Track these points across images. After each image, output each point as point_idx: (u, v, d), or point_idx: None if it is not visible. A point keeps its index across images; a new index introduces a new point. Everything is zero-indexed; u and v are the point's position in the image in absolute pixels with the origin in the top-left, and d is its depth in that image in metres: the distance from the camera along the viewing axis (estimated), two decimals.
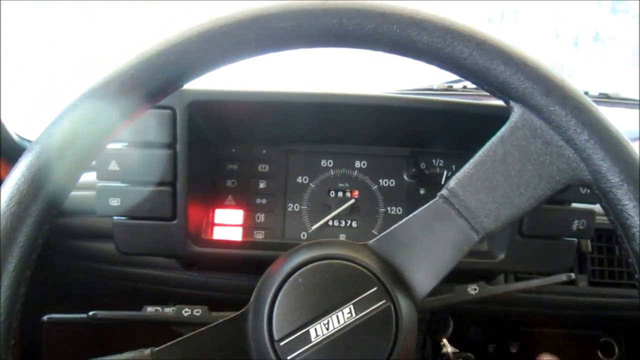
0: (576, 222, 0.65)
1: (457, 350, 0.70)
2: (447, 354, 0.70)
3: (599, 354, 0.99)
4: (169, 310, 0.53)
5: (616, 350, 0.99)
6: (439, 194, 0.45)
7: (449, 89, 1.02)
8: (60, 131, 0.39)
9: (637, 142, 1.06)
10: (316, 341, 0.41)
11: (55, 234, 0.82)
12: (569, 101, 0.40)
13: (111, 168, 0.63)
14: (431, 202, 0.45)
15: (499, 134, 0.43)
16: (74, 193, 0.81)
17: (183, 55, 0.41)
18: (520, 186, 0.43)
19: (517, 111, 0.42)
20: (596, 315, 0.88)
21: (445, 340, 0.71)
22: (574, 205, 0.66)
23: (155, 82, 0.41)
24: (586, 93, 1.01)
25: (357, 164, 0.75)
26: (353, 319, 0.41)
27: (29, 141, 0.88)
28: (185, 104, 0.63)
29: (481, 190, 0.43)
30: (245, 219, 0.74)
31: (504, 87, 0.42)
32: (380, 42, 0.42)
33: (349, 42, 0.43)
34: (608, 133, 0.39)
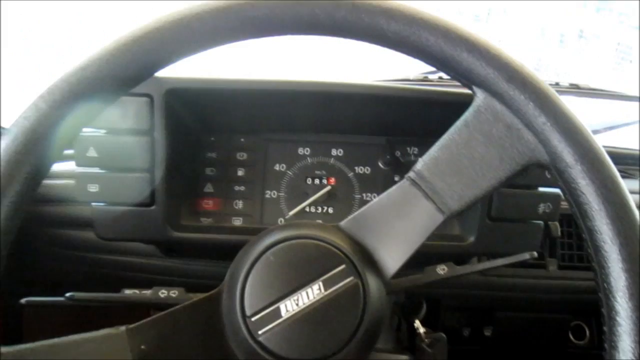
0: (542, 205, 0.67)
1: (429, 331, 0.73)
2: (420, 334, 0.72)
3: (571, 337, 1.02)
4: (146, 292, 0.54)
5: (587, 333, 1.02)
6: (406, 176, 0.47)
7: (425, 79, 1.04)
8: (36, 115, 0.40)
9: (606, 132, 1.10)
10: (286, 316, 0.43)
11: (35, 222, 0.83)
12: (527, 87, 0.42)
13: (89, 155, 0.64)
14: (399, 184, 0.47)
15: (462, 118, 0.45)
16: (53, 182, 0.83)
17: (158, 42, 0.42)
18: (483, 168, 0.45)
19: (479, 96, 0.44)
20: (567, 299, 0.91)
21: (418, 322, 0.73)
22: (541, 189, 0.68)
23: (130, 68, 0.42)
24: (557, 84, 1.04)
25: (334, 152, 0.77)
26: (322, 295, 0.43)
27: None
28: (162, 91, 0.64)
29: (446, 173, 0.45)
30: (224, 205, 0.75)
31: (467, 73, 0.44)
32: (350, 30, 0.44)
33: (320, 30, 0.45)
34: (564, 116, 0.41)
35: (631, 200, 0.40)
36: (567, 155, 0.41)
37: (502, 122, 0.44)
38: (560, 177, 0.42)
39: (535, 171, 0.45)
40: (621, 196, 0.39)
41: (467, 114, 0.45)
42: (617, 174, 0.40)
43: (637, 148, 1.07)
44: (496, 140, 0.44)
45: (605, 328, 0.39)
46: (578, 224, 0.42)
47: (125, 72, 0.42)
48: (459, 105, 0.46)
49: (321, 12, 0.43)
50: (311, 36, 0.46)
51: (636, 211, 0.40)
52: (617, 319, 0.37)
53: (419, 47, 0.43)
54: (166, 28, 0.42)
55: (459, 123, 0.45)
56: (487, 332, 1.00)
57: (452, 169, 0.45)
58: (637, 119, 1.15)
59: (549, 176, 0.67)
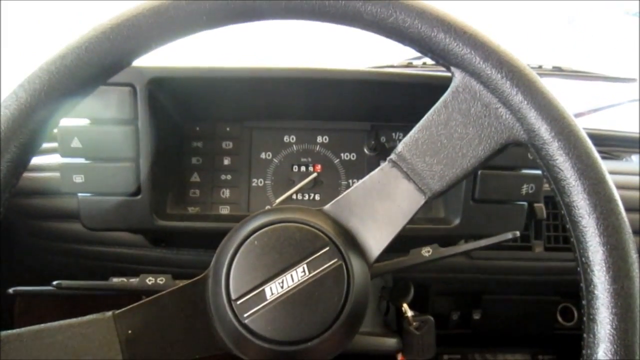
0: (525, 186, 0.68)
1: (417, 314, 0.73)
2: (407, 318, 0.73)
3: (559, 318, 1.04)
4: (134, 280, 0.55)
5: (575, 314, 1.04)
6: (388, 158, 0.47)
7: (409, 65, 1.05)
8: (17, 104, 0.40)
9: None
10: (271, 299, 0.43)
11: (22, 215, 0.83)
12: (504, 65, 0.42)
13: (74, 145, 0.64)
14: (381, 166, 0.47)
15: (442, 98, 0.46)
16: (38, 174, 0.82)
17: (136, 29, 0.42)
18: (462, 147, 0.45)
19: (457, 76, 0.45)
20: (553, 280, 0.92)
21: (406, 305, 0.74)
22: (523, 171, 0.69)
23: (109, 55, 0.42)
24: (540, 66, 1.05)
25: (319, 139, 0.77)
26: (306, 277, 0.43)
27: None
28: (145, 81, 0.64)
29: (427, 153, 0.45)
30: (211, 194, 0.76)
31: (444, 53, 0.44)
32: (328, 13, 0.44)
33: (298, 14, 0.45)
34: (540, 94, 0.42)
35: (607, 174, 0.40)
36: (544, 132, 0.41)
37: (480, 101, 0.44)
38: (538, 154, 0.42)
39: (517, 152, 0.46)
40: (597, 171, 0.40)
41: (446, 95, 0.45)
42: (594, 150, 0.41)
43: (622, 130, 1.08)
44: (475, 119, 0.44)
45: (584, 302, 0.39)
46: (557, 201, 0.42)
47: (105, 60, 0.42)
48: (442, 89, 0.46)
49: None
50: (289, 20, 0.46)
51: (612, 185, 0.40)
52: (595, 292, 0.38)
53: (396, 29, 0.44)
54: (144, 15, 0.42)
55: (438, 104, 0.46)
56: (476, 316, 1.01)
57: (432, 150, 0.45)
58: (622, 101, 1.16)
59: (530, 157, 0.68)
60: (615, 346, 0.36)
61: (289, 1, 0.43)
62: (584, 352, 0.38)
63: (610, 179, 0.40)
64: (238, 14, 0.44)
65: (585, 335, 0.38)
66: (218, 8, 0.43)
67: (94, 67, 0.42)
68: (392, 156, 0.47)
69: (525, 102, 0.42)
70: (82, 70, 0.41)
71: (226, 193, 0.76)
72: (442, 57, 0.44)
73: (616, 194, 0.40)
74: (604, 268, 0.38)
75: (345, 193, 0.48)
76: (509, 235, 0.54)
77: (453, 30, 0.43)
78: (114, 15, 0.42)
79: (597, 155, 0.41)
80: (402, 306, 0.75)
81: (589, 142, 0.41)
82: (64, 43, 0.42)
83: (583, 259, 0.39)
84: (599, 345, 0.37)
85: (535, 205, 0.87)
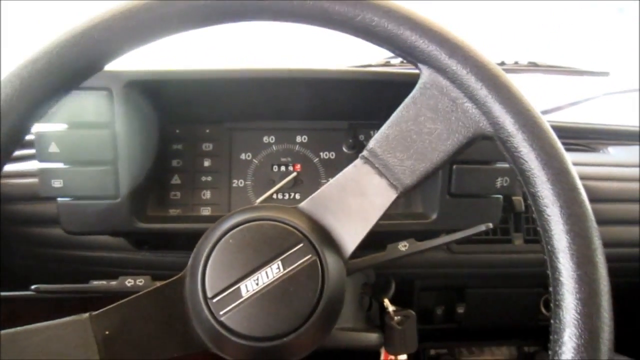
0: (500, 179, 0.69)
1: (399, 309, 0.74)
2: (389, 312, 0.74)
3: (542, 309, 1.05)
4: (113, 282, 0.55)
5: None
6: (360, 155, 0.48)
7: (387, 64, 1.06)
8: None
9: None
10: (247, 296, 0.44)
11: (2, 221, 0.83)
12: (469, 61, 0.43)
13: (51, 150, 0.64)
14: (353, 163, 0.48)
15: (410, 95, 0.47)
16: (16, 180, 0.82)
17: (107, 33, 0.42)
18: (432, 142, 0.46)
19: (425, 73, 0.46)
20: (535, 272, 0.93)
21: (387, 301, 0.75)
22: (498, 165, 0.70)
23: (80, 60, 0.42)
24: (516, 62, 1.06)
25: (298, 138, 0.78)
26: (281, 274, 0.44)
27: None
28: (122, 84, 0.64)
29: (397, 149, 0.46)
30: (192, 196, 0.76)
31: (411, 50, 0.45)
32: (296, 14, 0.45)
33: (267, 15, 0.46)
34: (505, 88, 0.43)
35: (570, 164, 0.41)
36: (508, 124, 0.42)
37: (447, 96, 0.45)
38: (504, 146, 0.44)
39: (491, 146, 0.47)
40: (560, 160, 0.41)
41: (415, 91, 0.46)
42: (557, 141, 0.42)
43: (598, 122, 1.10)
44: (443, 114, 0.45)
45: (550, 289, 0.40)
46: (524, 192, 0.43)
47: (76, 64, 0.42)
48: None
49: None
50: (260, 22, 0.47)
51: (575, 175, 0.41)
52: (560, 278, 0.39)
53: (364, 28, 0.45)
54: (115, 18, 0.42)
55: (407, 100, 0.47)
56: (461, 310, 1.03)
57: (402, 145, 0.46)
58: (599, 94, 1.18)
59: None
60: (579, 330, 0.37)
61: (257, 2, 0.44)
62: (551, 337, 0.39)
63: (573, 169, 0.41)
64: (208, 16, 0.44)
65: (552, 320, 0.39)
66: (188, 11, 0.44)
67: (66, 71, 0.42)
68: (364, 152, 0.48)
69: (490, 96, 0.43)
70: (54, 74, 0.42)
71: (207, 194, 0.76)
72: (410, 54, 0.45)
73: (579, 183, 0.41)
74: (568, 255, 0.39)
75: (319, 190, 0.48)
76: (483, 227, 0.55)
77: (419, 27, 0.44)
78: (85, 19, 0.43)
79: (560, 145, 0.42)
80: (383, 301, 0.76)
81: (553, 134, 0.42)
82: (35, 47, 0.43)
83: (549, 247, 0.40)
84: (565, 330, 0.38)
85: (514, 198, 0.88)
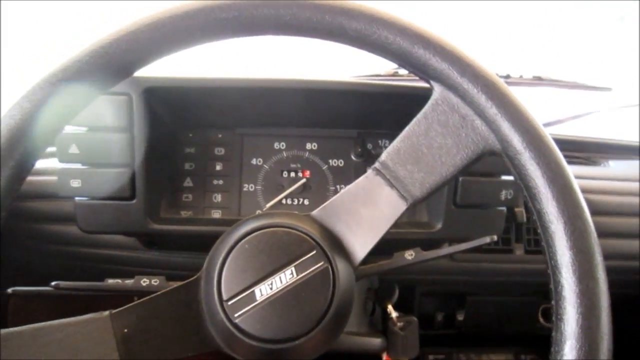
0: (504, 192, 0.71)
1: (402, 315, 0.76)
2: (392, 318, 0.76)
3: (540, 319, 1.07)
4: (129, 281, 0.57)
5: None
6: (372, 166, 0.50)
7: (395, 74, 1.08)
8: (21, 114, 0.42)
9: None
10: (261, 300, 0.46)
11: (19, 218, 0.85)
12: (479, 79, 0.45)
13: (71, 151, 0.66)
14: (365, 174, 0.50)
15: (422, 110, 0.48)
16: (35, 178, 0.84)
17: (134, 43, 0.45)
18: (442, 156, 0.48)
19: (437, 90, 0.48)
20: (534, 282, 0.95)
21: (390, 306, 0.77)
22: (503, 177, 0.72)
23: (108, 69, 0.44)
24: (520, 76, 1.08)
25: (308, 145, 0.80)
26: (294, 280, 0.46)
27: None
28: (141, 90, 0.66)
29: (408, 162, 0.48)
30: (203, 199, 0.78)
31: (424, 68, 0.47)
32: (314, 29, 0.47)
33: (286, 30, 0.48)
34: (513, 106, 0.45)
35: (574, 182, 0.43)
36: (516, 142, 0.44)
37: (457, 113, 0.47)
38: (511, 163, 0.46)
39: (496, 160, 0.49)
40: (564, 178, 0.43)
41: (426, 107, 0.48)
42: (562, 158, 0.44)
43: (599, 137, 1.12)
44: (452, 130, 0.47)
45: (553, 302, 0.42)
46: (529, 207, 0.45)
47: (104, 72, 0.44)
48: (425, 98, 0.49)
49: (286, 13, 0.46)
50: (278, 36, 0.49)
51: (579, 192, 0.43)
52: (562, 292, 0.41)
53: (379, 45, 0.47)
54: (142, 30, 0.45)
55: (419, 115, 0.49)
56: (460, 316, 1.04)
57: (413, 158, 0.48)
58: (601, 108, 1.20)
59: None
60: (580, 343, 0.39)
61: (278, 18, 0.46)
62: (552, 349, 0.41)
63: (577, 186, 0.43)
64: (229, 29, 0.46)
65: (553, 333, 0.41)
66: (211, 23, 0.46)
67: (95, 79, 0.44)
68: (376, 164, 0.50)
69: (499, 115, 0.45)
70: (83, 82, 0.44)
71: (218, 198, 0.78)
72: (422, 72, 0.47)
73: (582, 200, 0.43)
74: (571, 270, 0.41)
75: (332, 199, 0.50)
76: (487, 239, 0.57)
77: (432, 46, 0.46)
78: (114, 30, 0.45)
79: (565, 164, 0.44)
80: (387, 307, 0.77)
81: (558, 152, 0.44)
82: (65, 56, 0.45)
83: (552, 261, 0.42)
84: (566, 342, 0.40)
85: (516, 209, 0.90)
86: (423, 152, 0.48)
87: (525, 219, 0.90)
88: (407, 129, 0.49)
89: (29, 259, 0.89)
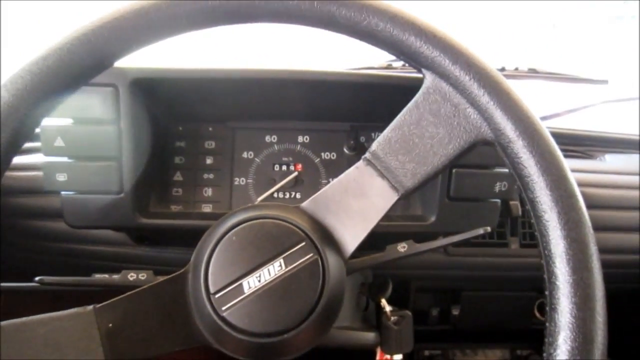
0: (498, 184, 0.70)
1: (395, 309, 0.75)
2: (386, 313, 0.75)
3: (536, 313, 1.06)
4: (115, 276, 0.56)
5: None
6: (362, 157, 0.49)
7: (389, 67, 1.07)
8: None
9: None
10: (249, 293, 0.45)
11: (4, 214, 0.83)
12: (472, 67, 0.44)
13: (57, 144, 0.65)
14: (356, 164, 0.49)
15: (413, 99, 0.47)
16: (21, 173, 0.83)
17: (117, 31, 0.43)
18: (433, 146, 0.47)
19: (428, 78, 0.47)
20: (529, 276, 0.94)
21: (384, 301, 0.76)
22: (496, 169, 0.71)
23: (90, 57, 0.43)
24: (516, 68, 1.08)
25: (300, 139, 0.79)
26: (283, 272, 0.45)
27: None
28: (127, 81, 0.65)
29: (399, 152, 0.47)
30: (193, 193, 0.77)
31: (416, 56, 0.46)
32: (303, 17, 0.46)
33: (275, 17, 0.46)
34: (506, 95, 0.44)
35: (569, 171, 0.42)
36: (509, 131, 0.43)
37: (449, 102, 0.46)
38: (504, 152, 0.45)
39: (490, 151, 0.48)
40: (559, 167, 0.42)
41: (418, 96, 0.47)
42: (556, 148, 0.43)
43: (596, 130, 1.11)
44: (444, 119, 0.46)
45: (546, 292, 0.41)
46: (522, 197, 0.44)
47: (86, 61, 0.43)
48: (418, 89, 0.48)
49: (275, 0, 0.44)
50: (267, 24, 0.48)
51: (573, 181, 0.42)
52: (556, 282, 0.40)
53: (369, 32, 0.45)
54: (125, 17, 0.43)
55: (410, 104, 0.48)
56: (456, 312, 1.03)
57: (404, 148, 0.47)
58: (597, 102, 1.19)
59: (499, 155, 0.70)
60: (574, 333, 0.38)
61: (266, 3, 0.45)
62: (545, 339, 0.40)
63: (571, 176, 0.42)
64: (216, 16, 0.45)
65: (547, 323, 0.40)
66: (197, 11, 0.44)
67: (76, 68, 0.43)
68: (367, 155, 0.49)
69: (492, 103, 0.44)
70: (64, 71, 0.42)
71: (208, 192, 0.77)
72: (414, 60, 0.46)
73: (577, 190, 0.42)
74: (565, 260, 0.40)
75: (322, 190, 0.49)
76: (481, 231, 0.56)
77: (424, 33, 0.45)
78: (96, 17, 0.44)
79: (559, 152, 0.43)
80: (380, 302, 0.77)
81: (552, 140, 0.43)
82: (46, 44, 0.44)
83: (546, 251, 0.41)
84: (559, 333, 0.39)
85: (511, 202, 0.89)
86: (414, 142, 0.47)
87: (520, 213, 0.89)
88: (398, 118, 0.48)
89: (18, 255, 0.88)
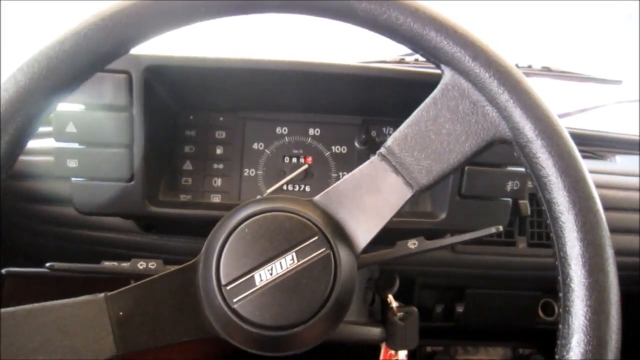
0: (510, 183, 0.70)
1: (402, 305, 0.75)
2: (392, 308, 0.75)
3: (540, 313, 1.06)
4: (125, 264, 0.56)
5: (556, 309, 1.06)
6: (377, 152, 0.48)
7: (401, 61, 1.06)
8: (15, 87, 0.41)
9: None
10: (260, 285, 0.44)
11: (14, 198, 0.83)
12: (492, 65, 0.44)
13: (68, 130, 0.65)
14: (370, 159, 0.49)
15: (431, 95, 0.47)
16: (31, 158, 0.83)
17: (135, 17, 0.43)
18: (450, 143, 0.46)
19: (447, 74, 0.46)
20: (536, 276, 0.94)
21: (390, 297, 0.76)
22: (509, 168, 0.71)
23: (107, 43, 0.43)
24: (529, 66, 1.07)
25: (311, 131, 0.79)
26: (295, 265, 0.45)
27: None
28: (141, 68, 0.64)
29: (415, 148, 0.47)
30: (203, 182, 0.77)
31: (435, 51, 0.45)
32: (324, 9, 0.45)
33: (295, 9, 0.46)
34: (526, 93, 0.43)
35: (587, 173, 0.42)
36: (528, 130, 0.43)
37: (468, 99, 0.46)
38: (522, 151, 0.44)
39: (503, 150, 0.47)
40: (578, 169, 0.42)
41: (435, 92, 0.47)
42: (575, 149, 0.43)
43: (607, 130, 1.10)
44: (462, 116, 0.46)
45: (560, 294, 0.41)
46: (538, 197, 0.44)
47: (103, 46, 0.43)
48: (432, 85, 0.47)
49: None
50: (287, 14, 0.47)
51: (592, 184, 0.42)
52: (571, 285, 0.40)
53: (389, 26, 0.45)
54: (143, 4, 0.43)
55: (427, 100, 0.47)
56: (460, 309, 1.03)
57: (420, 145, 0.47)
58: (609, 102, 1.18)
59: (515, 155, 0.70)
60: (588, 337, 0.38)
61: None
62: (558, 342, 0.40)
63: (590, 178, 0.42)
64: (235, 6, 0.45)
65: (560, 326, 0.40)
66: (214, 0, 0.44)
67: (92, 53, 0.42)
68: (382, 150, 0.48)
69: (511, 101, 0.43)
70: (80, 56, 0.42)
71: (218, 182, 0.77)
72: (433, 55, 0.46)
73: (595, 192, 0.42)
74: (580, 262, 0.40)
75: (335, 185, 0.49)
76: (492, 230, 0.55)
77: (444, 29, 0.44)
78: (114, 3, 0.43)
79: (578, 154, 0.43)
80: (387, 297, 0.76)
81: (571, 142, 0.43)
82: (63, 29, 0.43)
83: (561, 253, 0.41)
84: (573, 336, 0.39)
85: (520, 202, 0.89)
86: (431, 138, 0.47)
87: (529, 212, 0.89)
88: (414, 114, 0.47)
89: (26, 240, 0.88)
